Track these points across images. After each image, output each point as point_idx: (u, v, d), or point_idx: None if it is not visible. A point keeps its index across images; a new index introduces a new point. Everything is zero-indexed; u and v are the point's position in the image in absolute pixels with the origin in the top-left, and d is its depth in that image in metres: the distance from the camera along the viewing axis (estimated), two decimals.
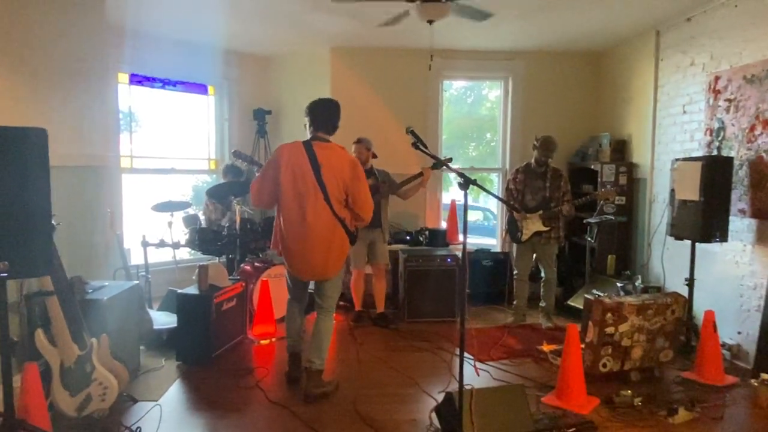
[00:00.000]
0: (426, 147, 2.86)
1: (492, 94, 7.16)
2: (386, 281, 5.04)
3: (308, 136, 3.40)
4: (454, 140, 7.02)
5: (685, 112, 4.69)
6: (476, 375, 3.65)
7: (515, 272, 5.00)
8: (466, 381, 2.52)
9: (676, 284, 4.43)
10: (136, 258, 5.01)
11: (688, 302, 4.09)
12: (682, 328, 3.88)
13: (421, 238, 5.72)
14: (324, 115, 3.38)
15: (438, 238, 5.68)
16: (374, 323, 4.91)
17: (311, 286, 3.60)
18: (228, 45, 6.05)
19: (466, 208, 2.50)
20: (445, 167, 4.44)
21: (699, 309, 4.15)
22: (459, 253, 5.28)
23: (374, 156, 4.83)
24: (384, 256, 4.89)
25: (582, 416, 3.10)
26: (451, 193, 7.34)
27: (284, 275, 4.69)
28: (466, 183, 2.50)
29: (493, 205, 7.51)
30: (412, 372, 3.80)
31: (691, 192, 3.99)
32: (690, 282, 4.17)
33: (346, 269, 5.08)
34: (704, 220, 3.92)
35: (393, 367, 3.89)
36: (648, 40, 5.18)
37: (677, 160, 4.23)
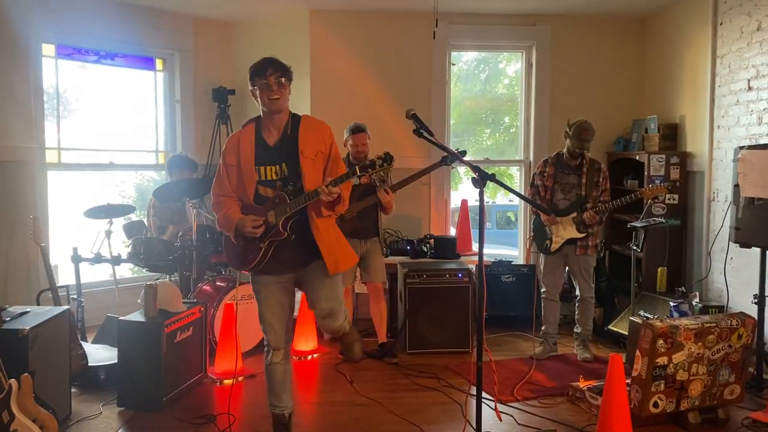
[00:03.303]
0: (432, 134, 2.86)
1: (511, 68, 7.19)
2: (386, 302, 5.02)
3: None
4: (464, 125, 7.04)
5: (750, 88, 4.71)
6: (497, 420, 3.62)
7: (543, 290, 5.01)
8: (484, 427, 2.52)
9: (743, 303, 4.45)
10: (65, 277, 4.97)
11: (759, 325, 4.09)
12: (752, 357, 3.88)
13: (425, 248, 5.71)
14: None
15: (446, 247, 5.66)
16: (372, 356, 4.89)
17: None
18: (181, 8, 6.04)
19: (482, 210, 2.50)
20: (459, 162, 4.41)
21: None
22: (473, 267, 5.28)
23: None
24: (381, 273, 4.89)
25: None
26: (462, 191, 7.35)
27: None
28: (481, 179, 2.50)
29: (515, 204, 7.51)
30: (417, 417, 3.79)
31: (761, 187, 4.00)
32: (760, 300, 4.18)
33: None
34: None
35: (392, 411, 3.88)
36: None
37: (742, 148, 4.25)
